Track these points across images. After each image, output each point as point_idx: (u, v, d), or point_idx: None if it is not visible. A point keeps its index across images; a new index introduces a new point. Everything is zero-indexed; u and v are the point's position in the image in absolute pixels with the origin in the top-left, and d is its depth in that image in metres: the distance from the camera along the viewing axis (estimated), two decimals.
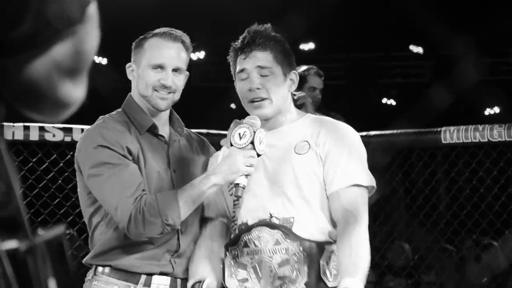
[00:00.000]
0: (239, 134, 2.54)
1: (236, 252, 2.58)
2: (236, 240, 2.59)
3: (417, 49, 11.45)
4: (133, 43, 2.78)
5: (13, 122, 3.92)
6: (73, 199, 4.23)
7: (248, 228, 2.57)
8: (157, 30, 2.75)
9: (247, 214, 2.59)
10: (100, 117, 2.75)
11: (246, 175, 2.53)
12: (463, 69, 9.97)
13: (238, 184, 2.53)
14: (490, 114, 11.59)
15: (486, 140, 4.05)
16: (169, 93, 2.71)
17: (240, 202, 2.57)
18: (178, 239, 2.71)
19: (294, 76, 2.67)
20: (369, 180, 2.57)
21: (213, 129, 3.56)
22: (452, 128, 4.12)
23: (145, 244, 2.65)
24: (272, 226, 2.53)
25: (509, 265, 5.82)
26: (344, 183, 2.54)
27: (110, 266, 2.66)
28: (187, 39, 2.76)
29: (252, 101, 2.61)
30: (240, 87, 2.65)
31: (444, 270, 5.68)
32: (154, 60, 2.70)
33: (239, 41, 2.65)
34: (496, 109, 11.62)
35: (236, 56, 2.65)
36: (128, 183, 2.59)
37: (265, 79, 2.60)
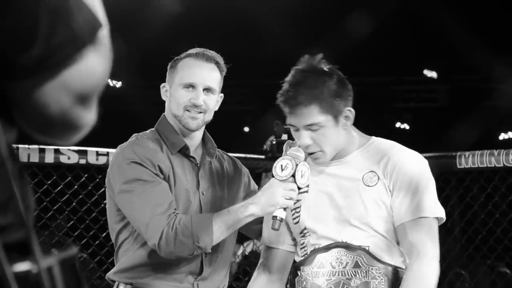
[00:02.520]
0: (281, 165, 2.50)
1: (309, 272, 2.54)
2: (310, 260, 2.55)
3: (431, 74, 11.45)
4: (169, 64, 2.78)
5: (29, 145, 3.94)
6: (87, 221, 4.24)
7: (324, 248, 2.52)
8: (191, 51, 2.75)
9: (318, 241, 2.55)
10: (134, 134, 2.75)
11: (285, 208, 2.48)
12: (478, 94, 9.94)
13: (275, 216, 2.47)
14: (505, 139, 11.54)
15: (501, 165, 4.03)
16: (200, 112, 2.69)
17: (309, 231, 2.55)
18: (202, 261, 2.68)
19: (348, 113, 2.58)
20: (436, 211, 2.53)
21: (229, 152, 3.56)
22: (467, 153, 4.09)
23: (168, 264, 2.63)
24: (352, 248, 2.49)
25: None
26: (410, 216, 2.49)
27: (131, 284, 2.65)
28: (221, 60, 2.76)
29: (308, 153, 2.56)
30: (294, 137, 2.60)
31: None
32: (186, 79, 2.70)
33: (284, 89, 2.55)
34: (511, 134, 11.57)
35: (282, 104, 2.56)
36: (160, 200, 2.57)
37: (314, 133, 2.52)
